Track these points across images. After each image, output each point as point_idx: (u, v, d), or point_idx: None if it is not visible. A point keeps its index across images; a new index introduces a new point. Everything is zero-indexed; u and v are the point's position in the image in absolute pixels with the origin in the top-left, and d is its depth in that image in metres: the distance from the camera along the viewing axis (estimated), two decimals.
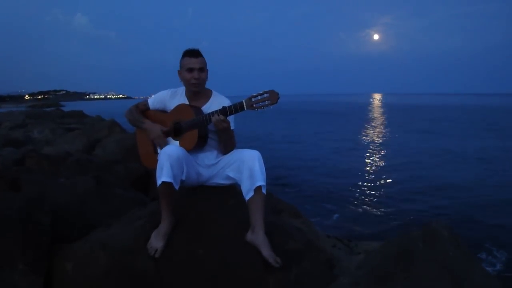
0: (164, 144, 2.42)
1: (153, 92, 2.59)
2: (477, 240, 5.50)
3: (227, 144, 2.38)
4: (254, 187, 2.15)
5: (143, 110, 2.60)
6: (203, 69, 2.38)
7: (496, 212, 6.99)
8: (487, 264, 4.68)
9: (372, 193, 8.47)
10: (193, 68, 2.34)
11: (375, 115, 38.35)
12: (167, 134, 2.46)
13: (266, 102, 2.11)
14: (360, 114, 39.49)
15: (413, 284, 1.88)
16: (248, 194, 2.17)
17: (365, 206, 7.56)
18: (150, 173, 4.44)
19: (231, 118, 2.39)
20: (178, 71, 2.43)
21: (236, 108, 2.20)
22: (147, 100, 2.60)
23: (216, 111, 2.22)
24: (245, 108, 2.16)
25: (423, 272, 1.91)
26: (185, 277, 2.11)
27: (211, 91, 2.52)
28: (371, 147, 16.04)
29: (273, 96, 2.10)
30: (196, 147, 2.36)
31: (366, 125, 26.03)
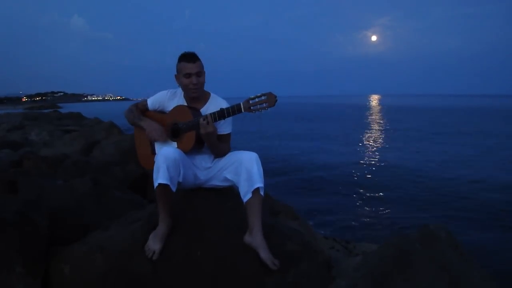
0: (160, 137, 2.42)
1: (151, 93, 2.59)
2: (475, 241, 5.52)
3: (212, 150, 2.37)
4: (252, 189, 2.15)
5: (142, 110, 2.58)
6: (200, 73, 2.36)
7: (494, 213, 7.01)
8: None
9: (371, 195, 8.48)
10: (191, 74, 2.32)
11: (374, 118, 38.39)
12: (164, 130, 2.44)
13: (264, 105, 2.11)
14: (359, 117, 39.52)
15: (411, 285, 1.88)
16: (246, 196, 2.17)
17: (363, 208, 7.57)
18: (148, 175, 4.44)
19: (228, 121, 2.39)
20: (175, 75, 2.42)
21: (233, 110, 2.20)
22: (146, 100, 2.59)
23: (213, 113, 2.22)
24: (242, 110, 2.16)
25: (420, 273, 1.91)
26: (183, 279, 2.11)
27: (209, 93, 2.51)
28: (370, 150, 16.07)
29: (271, 99, 2.11)
30: (194, 149, 2.36)
31: (365, 128, 26.06)
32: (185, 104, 2.46)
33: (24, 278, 2.02)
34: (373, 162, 12.88)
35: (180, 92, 2.51)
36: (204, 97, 2.48)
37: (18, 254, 2.05)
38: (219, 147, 2.36)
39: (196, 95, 2.41)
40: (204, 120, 2.19)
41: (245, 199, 2.18)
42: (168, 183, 2.10)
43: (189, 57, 2.34)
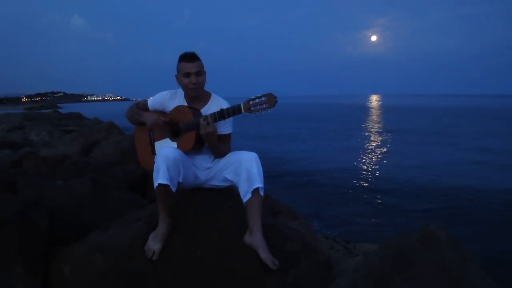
0: (162, 126, 2.41)
1: (151, 93, 2.59)
2: (475, 241, 5.52)
3: (213, 150, 2.38)
4: (251, 189, 2.15)
5: (142, 110, 2.59)
6: (200, 72, 2.36)
7: (494, 214, 7.02)
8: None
9: (371, 195, 8.48)
10: (190, 73, 2.33)
11: (374, 118, 38.38)
12: (164, 123, 2.44)
13: (264, 106, 2.11)
14: (360, 117, 39.51)
15: (411, 285, 1.88)
16: (245, 196, 2.17)
17: (363, 208, 7.57)
18: (148, 175, 4.44)
19: (229, 121, 2.39)
20: (176, 75, 2.42)
21: (233, 111, 2.20)
22: (146, 101, 2.58)
23: (214, 113, 2.22)
24: (242, 111, 2.16)
25: (420, 273, 1.91)
26: (182, 279, 2.11)
27: (210, 93, 2.51)
28: (370, 150, 16.07)
29: (271, 100, 2.10)
30: (194, 149, 2.36)
31: (365, 128, 26.06)
32: (186, 104, 2.46)
33: (24, 278, 2.02)
34: (373, 162, 12.88)
35: (180, 92, 2.51)
36: (205, 97, 2.48)
37: (18, 254, 2.05)
38: (219, 147, 2.36)
39: (195, 94, 2.41)
40: (204, 120, 2.20)
41: (245, 199, 2.18)
42: (168, 183, 2.10)
43: (188, 57, 2.34)
